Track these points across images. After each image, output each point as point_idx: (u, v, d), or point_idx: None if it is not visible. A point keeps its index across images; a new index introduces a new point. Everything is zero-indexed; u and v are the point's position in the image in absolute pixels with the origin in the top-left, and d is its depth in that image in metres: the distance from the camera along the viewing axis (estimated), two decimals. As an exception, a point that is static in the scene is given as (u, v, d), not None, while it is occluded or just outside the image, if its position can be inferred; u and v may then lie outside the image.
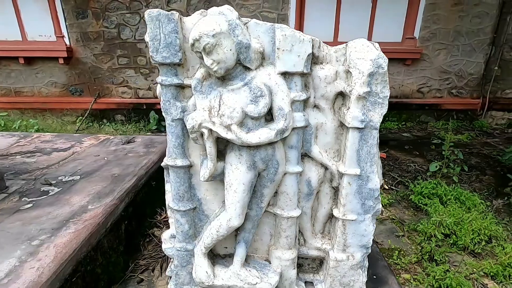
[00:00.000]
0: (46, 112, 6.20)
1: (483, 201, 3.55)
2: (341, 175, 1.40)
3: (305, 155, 1.44)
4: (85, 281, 1.59)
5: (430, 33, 5.68)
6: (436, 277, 2.26)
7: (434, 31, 5.68)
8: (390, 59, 1.28)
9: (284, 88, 1.23)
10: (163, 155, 2.54)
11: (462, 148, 4.71)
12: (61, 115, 6.25)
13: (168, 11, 1.14)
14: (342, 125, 1.37)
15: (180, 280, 1.63)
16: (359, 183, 1.38)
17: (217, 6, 1.16)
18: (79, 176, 2.10)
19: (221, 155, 1.36)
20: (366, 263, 1.57)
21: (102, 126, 6.01)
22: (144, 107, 6.28)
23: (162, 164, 1.71)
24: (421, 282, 2.26)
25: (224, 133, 1.21)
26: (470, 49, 5.74)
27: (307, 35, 1.19)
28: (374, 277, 1.82)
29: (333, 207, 1.52)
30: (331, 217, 1.59)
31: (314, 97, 1.34)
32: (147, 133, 5.89)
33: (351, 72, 1.24)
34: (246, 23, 1.20)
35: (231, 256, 1.62)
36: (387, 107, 1.25)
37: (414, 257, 2.57)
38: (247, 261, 1.58)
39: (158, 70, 1.31)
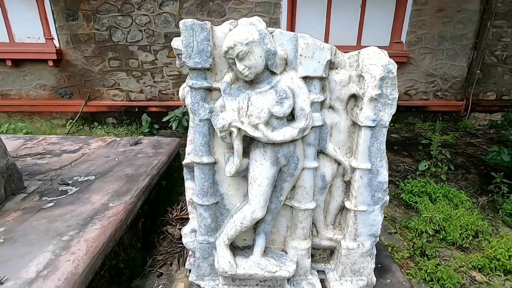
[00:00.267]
0: (34, 115, 6.16)
1: (469, 198, 3.79)
2: (353, 169, 1.56)
3: (320, 152, 1.60)
4: (110, 274, 1.69)
5: (416, 38, 5.99)
6: (428, 271, 2.41)
7: (420, 36, 5.99)
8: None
9: (305, 91, 1.38)
10: (171, 156, 2.66)
11: (448, 148, 4.98)
12: (50, 118, 6.22)
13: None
14: (354, 124, 1.54)
15: (201, 271, 1.75)
16: (370, 176, 1.55)
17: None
18: (94, 176, 2.19)
19: (244, 152, 1.50)
20: (374, 251, 1.74)
21: (94, 129, 6.02)
22: (136, 110, 6.32)
23: (184, 162, 1.84)
24: (414, 276, 2.41)
25: (251, 132, 1.35)
26: (453, 53, 6.08)
27: (326, 44, 1.35)
28: (379, 266, 1.99)
29: (345, 199, 1.68)
30: (342, 209, 1.75)
31: (330, 99, 1.50)
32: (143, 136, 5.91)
33: (363, 76, 1.41)
34: (271, 32, 1.35)
35: (249, 247, 1.76)
36: (395, 108, 1.42)
37: (406, 253, 2.73)
38: (265, 252, 1.72)
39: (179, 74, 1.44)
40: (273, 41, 1.34)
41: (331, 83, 1.47)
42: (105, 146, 2.76)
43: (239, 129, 1.36)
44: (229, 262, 1.62)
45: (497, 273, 2.63)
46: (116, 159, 2.47)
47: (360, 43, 5.96)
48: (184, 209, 2.48)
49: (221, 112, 1.44)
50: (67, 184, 2.07)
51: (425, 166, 4.30)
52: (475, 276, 2.59)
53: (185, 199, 2.54)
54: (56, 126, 6.11)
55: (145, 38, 5.93)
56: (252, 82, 1.37)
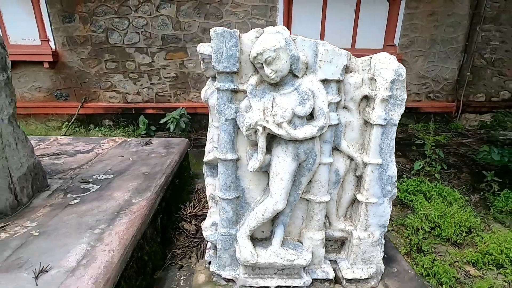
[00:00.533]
0: (29, 117, 6.18)
1: (462, 196, 4.00)
2: (365, 164, 1.73)
3: (334, 149, 1.76)
4: (137, 266, 1.82)
5: (409, 41, 6.24)
6: (424, 266, 2.54)
7: (413, 39, 6.24)
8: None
9: (324, 92, 1.54)
10: (181, 155, 2.79)
11: (440, 148, 5.22)
12: (45, 120, 6.25)
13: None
14: (366, 123, 1.71)
15: (222, 262, 1.89)
16: (380, 171, 1.72)
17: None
18: (112, 175, 2.30)
19: (266, 149, 1.65)
20: (383, 241, 1.91)
21: (90, 131, 6.08)
22: (133, 112, 6.39)
23: (205, 159, 1.98)
24: (411, 271, 2.58)
25: (276, 130, 1.50)
26: (445, 56, 6.35)
27: (343, 50, 1.52)
28: (385, 256, 2.15)
29: (356, 193, 1.85)
30: (353, 202, 1.91)
31: (344, 100, 1.67)
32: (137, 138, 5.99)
33: (375, 79, 1.58)
34: (294, 39, 1.51)
35: (267, 239, 1.91)
36: (404, 107, 1.59)
37: (403, 249, 2.88)
38: (282, 243, 1.87)
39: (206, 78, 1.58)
40: (296, 47, 1.50)
41: (346, 86, 1.64)
42: (117, 146, 2.87)
43: (264, 128, 1.51)
44: (251, 252, 1.76)
45: (490, 267, 2.80)
46: (131, 159, 2.59)
47: (354, 46, 6.18)
48: (197, 207, 2.61)
49: (246, 112, 1.59)
50: (88, 182, 2.18)
51: (420, 165, 4.50)
52: (469, 271, 2.75)
53: (196, 197, 2.68)
54: (52, 128, 6.15)
55: (142, 40, 6.02)
56: (276, 85, 1.52)
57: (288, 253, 1.79)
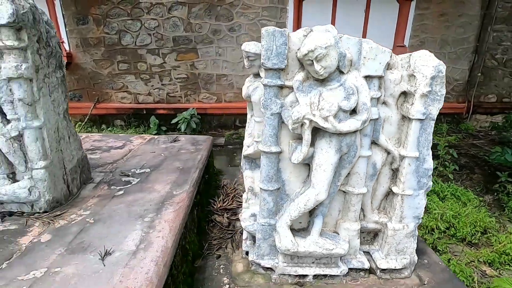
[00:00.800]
0: (43, 117, 6.27)
1: (476, 197, 4.10)
2: (402, 157, 1.84)
3: (372, 142, 1.87)
4: (182, 253, 1.92)
5: (419, 41, 6.35)
6: None
7: (423, 39, 6.35)
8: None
9: (367, 88, 1.65)
10: (209, 152, 2.90)
11: (452, 149, 5.33)
12: (59, 120, 6.33)
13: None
14: (403, 117, 1.82)
15: (261, 251, 2.00)
16: (417, 164, 1.82)
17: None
18: (149, 169, 2.42)
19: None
20: (416, 232, 2.01)
21: (104, 131, 6.19)
22: (144, 112, 6.51)
23: (244, 153, 2.09)
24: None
25: (322, 123, 1.61)
26: (455, 57, 6.46)
27: (386, 48, 1.63)
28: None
29: (391, 185, 1.95)
30: (387, 195, 2.02)
31: (384, 95, 1.78)
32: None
33: (415, 76, 1.69)
34: (340, 38, 1.62)
35: (304, 230, 2.01)
36: (443, 103, 1.70)
37: None
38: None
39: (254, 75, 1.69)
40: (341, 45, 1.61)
41: (386, 82, 1.75)
42: (146, 143, 2.98)
43: (310, 121, 1.62)
44: (291, 241, 1.87)
45: (506, 267, 2.90)
46: (162, 154, 2.71)
47: (365, 47, 6.29)
48: (226, 201, 2.72)
49: (291, 107, 1.71)
50: (127, 176, 2.29)
51: (434, 166, 4.58)
52: (485, 270, 2.86)
53: (223, 192, 2.79)
54: (65, 128, 6.24)
55: (153, 42, 6.15)
56: (323, 81, 1.64)
57: (327, 242, 1.89)
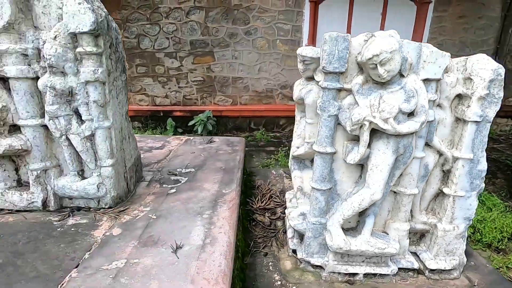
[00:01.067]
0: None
1: (501, 202, 4.09)
2: (455, 159, 1.89)
3: (425, 144, 1.92)
4: (235, 250, 1.99)
5: (437, 44, 6.34)
6: None
7: (441, 42, 6.34)
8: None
9: (425, 91, 1.71)
10: (244, 153, 2.97)
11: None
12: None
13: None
14: (457, 120, 1.87)
15: (311, 249, 2.06)
16: (471, 165, 1.88)
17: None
18: (193, 169, 2.50)
19: (364, 143, 1.82)
20: (466, 234, 2.06)
21: (125, 131, 6.28)
22: (161, 115, 6.62)
23: (294, 154, 2.16)
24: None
25: (382, 124, 1.67)
26: (476, 60, 6.45)
27: (446, 52, 1.69)
28: (459, 249, 2.30)
29: (442, 186, 2.01)
30: (436, 196, 2.07)
31: (439, 98, 1.84)
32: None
33: (472, 79, 1.75)
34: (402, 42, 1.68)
35: (353, 229, 2.07)
36: (500, 105, 1.76)
37: None
38: (369, 233, 2.03)
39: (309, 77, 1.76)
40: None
41: (442, 85, 1.81)
42: (184, 144, 3.07)
43: (370, 123, 1.69)
44: (344, 239, 1.93)
45: None
46: (202, 155, 2.79)
47: (381, 50, 6.32)
48: (263, 201, 2.79)
49: (348, 109, 1.77)
50: (175, 175, 2.37)
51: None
52: None
53: (259, 193, 2.86)
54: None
55: (171, 45, 6.26)
56: (383, 84, 1.70)
57: (379, 242, 1.95)
